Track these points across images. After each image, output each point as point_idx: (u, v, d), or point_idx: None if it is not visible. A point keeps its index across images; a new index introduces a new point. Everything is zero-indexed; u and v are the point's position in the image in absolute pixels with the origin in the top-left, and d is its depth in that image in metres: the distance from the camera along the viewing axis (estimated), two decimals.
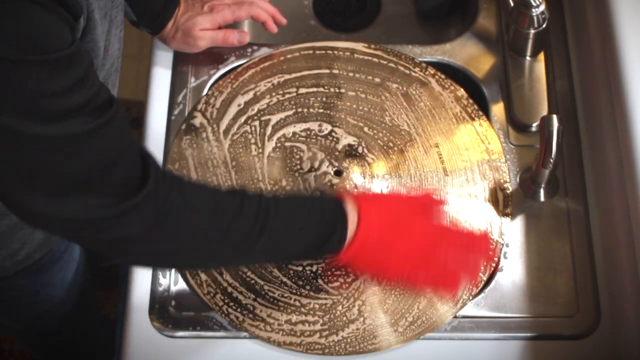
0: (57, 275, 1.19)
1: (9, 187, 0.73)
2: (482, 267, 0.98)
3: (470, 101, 1.11)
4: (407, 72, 1.13)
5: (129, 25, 1.08)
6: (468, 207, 1.04)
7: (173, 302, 1.00)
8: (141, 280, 1.01)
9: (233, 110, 1.11)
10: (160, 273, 1.01)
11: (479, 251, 0.95)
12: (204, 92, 1.13)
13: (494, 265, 1.00)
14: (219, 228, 0.81)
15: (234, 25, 1.14)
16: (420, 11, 1.36)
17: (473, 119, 1.10)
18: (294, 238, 0.86)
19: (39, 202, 0.73)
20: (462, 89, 1.12)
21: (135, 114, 1.88)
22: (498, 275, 1.01)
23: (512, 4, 1.10)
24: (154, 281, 1.01)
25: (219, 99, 1.12)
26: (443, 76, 1.13)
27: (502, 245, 1.02)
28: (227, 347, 0.98)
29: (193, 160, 1.07)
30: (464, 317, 0.98)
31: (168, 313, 0.99)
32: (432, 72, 1.13)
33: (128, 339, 0.98)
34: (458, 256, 0.91)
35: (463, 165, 1.06)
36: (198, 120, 1.10)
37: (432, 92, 1.11)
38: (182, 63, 1.15)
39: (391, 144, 1.08)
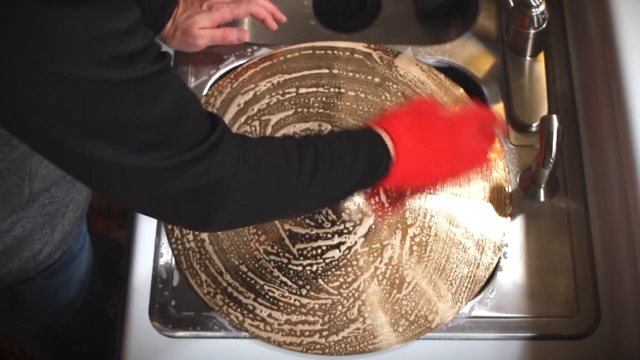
0: (75, 274, 1.19)
1: (89, 143, 0.70)
2: (495, 131, 1.03)
3: (471, 101, 1.11)
4: (407, 72, 1.13)
5: None
6: (468, 207, 1.04)
7: (173, 302, 1.00)
8: (141, 280, 1.01)
9: (233, 110, 1.11)
10: (160, 273, 1.01)
11: (488, 121, 1.01)
12: (204, 92, 1.13)
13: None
14: (292, 172, 0.83)
15: (234, 23, 1.14)
16: (420, 11, 1.36)
17: None
18: (348, 175, 0.88)
19: (126, 156, 0.71)
20: (462, 89, 1.12)
21: None
22: (498, 275, 1.01)
23: (512, 4, 1.10)
24: (154, 281, 1.01)
25: (218, 99, 1.12)
26: (443, 76, 1.13)
27: (502, 251, 1.02)
28: (227, 347, 0.98)
29: None
30: (463, 317, 0.98)
31: (168, 313, 0.99)
32: (432, 72, 1.13)
33: (128, 339, 0.98)
34: (476, 133, 0.97)
35: None
36: None
37: (432, 92, 1.11)
38: (182, 63, 1.15)
39: None
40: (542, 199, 1.05)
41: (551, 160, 0.97)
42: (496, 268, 1.01)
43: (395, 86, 1.12)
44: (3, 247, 0.97)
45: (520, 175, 1.07)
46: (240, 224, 0.91)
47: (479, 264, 1.00)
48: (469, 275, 1.00)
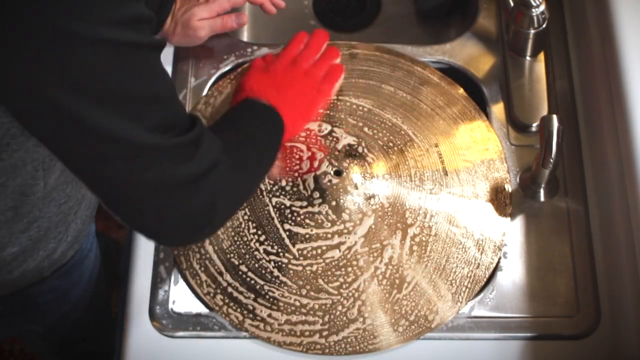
0: (85, 274, 1.19)
1: (105, 114, 0.70)
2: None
3: (471, 101, 1.11)
4: (407, 72, 1.13)
5: None
6: (468, 207, 1.04)
7: (173, 302, 1.00)
8: (141, 280, 1.01)
9: None
10: (160, 273, 1.01)
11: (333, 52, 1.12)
12: (204, 92, 1.13)
13: None
14: (256, 151, 0.93)
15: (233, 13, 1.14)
16: (420, 11, 1.36)
17: (473, 119, 1.10)
18: (270, 146, 0.99)
19: (141, 133, 0.72)
20: (462, 89, 1.12)
21: None
22: (498, 275, 1.01)
23: (512, 4, 1.10)
24: (154, 281, 1.01)
25: (218, 99, 1.12)
26: (443, 76, 1.13)
27: (501, 251, 1.02)
28: (227, 347, 0.98)
29: None
30: (463, 317, 0.98)
31: (168, 313, 0.99)
32: (431, 71, 1.13)
33: (128, 339, 0.98)
34: (309, 53, 1.10)
35: (463, 165, 1.06)
36: None
37: (431, 92, 1.11)
38: (182, 63, 1.15)
39: (391, 144, 1.08)
40: (542, 199, 1.05)
41: (551, 160, 0.97)
42: (496, 268, 1.01)
43: (395, 86, 1.12)
44: (19, 247, 0.97)
45: (520, 175, 1.07)
46: (227, 217, 0.92)
47: (479, 264, 1.00)
48: (469, 275, 1.00)
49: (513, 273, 1.01)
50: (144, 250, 1.02)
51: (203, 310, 0.99)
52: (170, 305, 0.99)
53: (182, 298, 1.00)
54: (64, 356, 1.52)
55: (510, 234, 1.03)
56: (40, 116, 0.71)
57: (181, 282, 1.01)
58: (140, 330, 0.98)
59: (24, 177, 0.87)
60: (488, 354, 0.97)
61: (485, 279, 1.00)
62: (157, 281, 1.01)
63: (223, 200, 0.83)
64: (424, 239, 1.02)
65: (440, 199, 1.04)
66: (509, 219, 1.03)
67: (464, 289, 0.99)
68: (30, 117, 0.72)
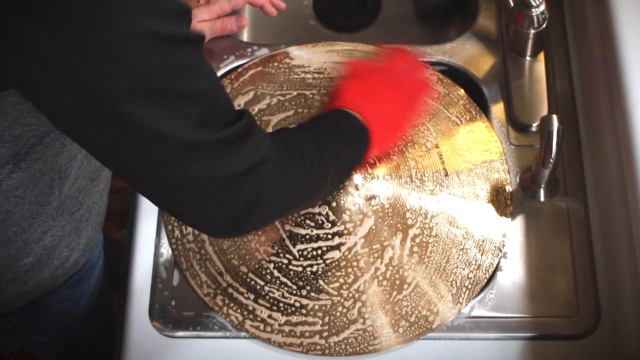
0: (94, 282, 1.19)
1: (146, 109, 0.68)
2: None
3: (471, 101, 1.11)
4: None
5: None
6: (468, 207, 1.04)
7: (173, 302, 1.00)
8: (141, 280, 1.01)
9: None
10: (160, 273, 1.01)
11: (407, 56, 1.04)
12: None
13: None
14: (311, 162, 0.85)
15: (233, 14, 1.14)
16: (420, 11, 1.36)
17: (473, 120, 1.10)
18: (345, 156, 0.91)
19: (183, 129, 0.71)
20: (462, 89, 1.12)
21: None
22: (498, 275, 1.01)
23: (512, 4, 1.10)
24: (154, 281, 1.01)
25: None
26: (443, 76, 1.13)
27: (502, 252, 1.02)
28: (227, 347, 0.98)
29: None
30: (463, 317, 0.98)
31: (168, 313, 0.99)
32: (432, 72, 1.13)
33: (128, 339, 0.98)
34: (406, 68, 1.02)
35: (463, 166, 1.06)
36: None
37: (432, 93, 1.11)
38: None
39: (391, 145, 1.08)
40: (542, 199, 1.05)
41: (551, 160, 0.97)
42: (496, 268, 1.01)
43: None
44: (34, 257, 0.97)
45: (520, 175, 1.07)
46: (271, 217, 0.89)
47: (479, 264, 1.00)
48: (469, 276, 1.00)
49: (513, 273, 1.01)
50: (144, 250, 1.02)
51: (203, 310, 0.99)
52: (170, 305, 0.99)
53: (182, 298, 1.00)
54: (62, 351, 1.52)
55: (511, 234, 1.03)
56: (82, 112, 0.69)
57: (181, 282, 1.01)
58: (140, 330, 0.98)
59: (41, 187, 0.87)
60: (488, 354, 0.97)
61: (485, 280, 1.00)
62: (157, 281, 1.01)
63: (268, 197, 0.80)
64: (424, 239, 1.02)
65: (441, 200, 1.04)
66: (509, 219, 1.03)
67: (464, 290, 0.99)
68: (71, 115, 0.70)
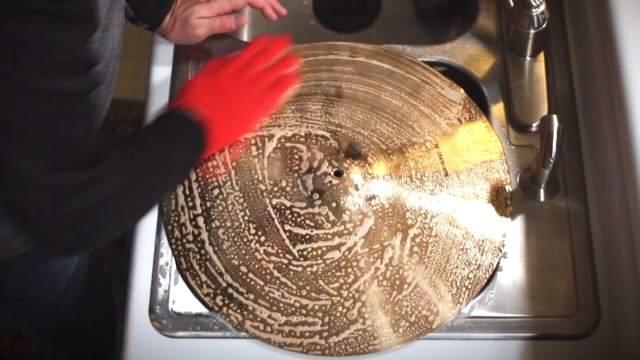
0: (57, 266, 1.19)
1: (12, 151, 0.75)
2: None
3: (471, 101, 1.11)
4: (407, 72, 1.13)
5: (128, 25, 1.08)
6: (468, 207, 1.04)
7: (173, 302, 1.00)
8: (141, 280, 1.01)
9: None
10: (160, 273, 1.01)
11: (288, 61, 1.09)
12: None
13: None
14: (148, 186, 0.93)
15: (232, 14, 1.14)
16: (420, 11, 1.36)
17: (473, 120, 1.10)
18: (172, 161, 0.97)
19: (44, 172, 0.77)
20: (462, 90, 1.12)
21: (135, 115, 1.88)
22: (498, 275, 1.01)
23: (512, 4, 1.10)
24: (154, 281, 1.01)
25: None
26: (443, 76, 1.13)
27: (502, 252, 1.02)
28: (227, 347, 0.98)
29: None
30: (463, 317, 0.98)
31: (168, 313, 0.99)
32: (432, 72, 1.13)
33: (128, 339, 0.98)
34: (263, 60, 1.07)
35: (463, 166, 1.06)
36: None
37: (432, 93, 1.11)
38: (182, 63, 1.15)
39: (391, 145, 1.08)
40: (542, 199, 1.05)
41: (551, 160, 0.97)
42: (496, 268, 1.01)
43: (395, 86, 1.12)
44: None
45: (520, 175, 1.07)
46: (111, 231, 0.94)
47: (479, 264, 1.00)
48: (469, 276, 1.00)
49: (513, 273, 1.01)
50: (144, 250, 1.02)
51: (203, 310, 0.99)
52: (170, 305, 0.99)
53: (182, 298, 1.00)
54: (63, 353, 1.52)
55: (511, 234, 1.03)
56: None
57: (181, 282, 1.01)
58: (140, 330, 0.98)
59: None
60: (488, 354, 0.97)
61: (485, 280, 1.00)
62: (157, 281, 1.01)
63: (107, 225, 0.87)
64: (424, 239, 1.02)
65: (441, 200, 1.04)
66: (509, 219, 1.03)
67: (464, 290, 0.99)
68: None
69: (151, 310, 0.99)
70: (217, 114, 1.00)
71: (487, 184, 1.05)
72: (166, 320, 0.98)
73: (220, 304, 0.99)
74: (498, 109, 1.12)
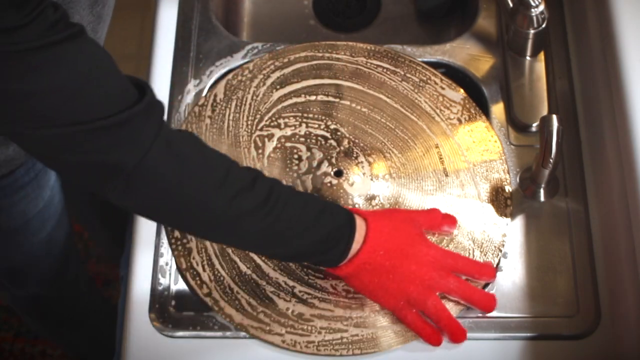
0: (17, 206, 1.17)
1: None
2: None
3: (470, 101, 1.11)
4: (407, 72, 1.13)
5: (128, 25, 1.08)
6: (468, 207, 1.04)
7: (173, 302, 1.00)
8: (141, 280, 1.01)
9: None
10: (160, 273, 1.01)
11: (481, 302, 0.96)
12: (203, 93, 1.13)
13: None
14: (224, 190, 0.81)
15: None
16: (420, 11, 1.36)
17: (473, 120, 1.10)
18: (296, 234, 0.86)
19: (23, 128, 0.73)
20: (462, 90, 1.12)
21: None
22: (498, 275, 1.01)
23: (511, 4, 1.10)
24: (154, 281, 1.01)
25: (211, 99, 1.12)
26: (443, 76, 1.13)
27: (502, 252, 1.02)
28: (227, 347, 0.98)
29: None
30: (464, 317, 0.98)
31: (168, 313, 0.99)
32: (432, 72, 1.13)
33: (128, 339, 0.98)
34: (458, 298, 0.95)
35: (463, 166, 1.06)
36: (199, 120, 1.10)
37: (432, 93, 1.11)
38: (182, 63, 1.15)
39: (391, 145, 1.08)
40: (542, 199, 1.05)
41: (551, 160, 0.97)
42: (496, 268, 1.01)
43: (395, 86, 1.12)
44: None
45: (520, 175, 1.07)
46: (143, 212, 0.87)
47: None
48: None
49: (513, 273, 1.01)
50: (144, 250, 1.02)
51: (203, 310, 0.99)
52: (170, 305, 0.99)
53: (182, 298, 1.00)
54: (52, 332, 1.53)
55: (510, 234, 1.03)
56: None
57: (181, 282, 1.01)
58: (140, 330, 0.98)
59: None
60: (488, 354, 0.97)
61: (483, 283, 1.00)
62: (157, 281, 1.01)
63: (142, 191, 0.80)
64: None
65: (441, 200, 1.04)
66: (509, 219, 1.03)
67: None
68: None
69: (151, 310, 0.99)
70: (378, 254, 0.90)
71: (487, 184, 1.05)
72: (166, 320, 0.98)
73: (221, 303, 0.99)
74: (498, 109, 1.12)
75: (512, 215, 1.04)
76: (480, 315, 0.98)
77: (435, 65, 1.15)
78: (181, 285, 1.01)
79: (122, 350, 0.98)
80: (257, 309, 0.98)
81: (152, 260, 1.02)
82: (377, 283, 0.92)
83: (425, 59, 1.15)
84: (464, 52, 1.16)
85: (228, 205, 0.82)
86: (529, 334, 0.98)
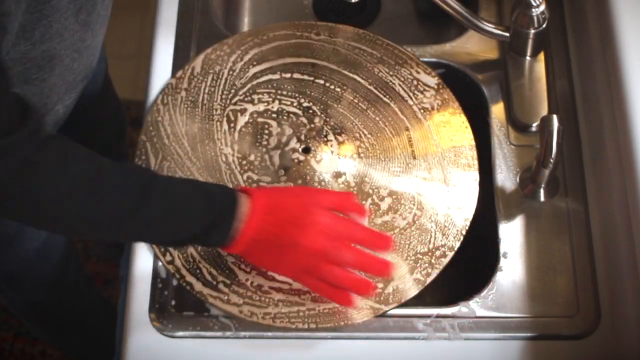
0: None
1: None
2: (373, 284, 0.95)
3: (445, 87, 1.11)
4: (384, 55, 1.13)
5: (128, 25, 1.08)
6: (434, 190, 1.04)
7: (173, 302, 1.00)
8: (141, 280, 1.01)
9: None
10: (160, 273, 1.01)
11: (375, 270, 0.94)
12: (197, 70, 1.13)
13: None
14: (92, 194, 0.83)
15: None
16: (420, 11, 1.36)
17: (446, 105, 1.10)
18: (174, 222, 0.88)
19: None
20: (437, 76, 1.12)
21: (135, 114, 1.88)
22: (498, 275, 1.01)
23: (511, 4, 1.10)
24: (154, 281, 1.01)
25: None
26: (419, 61, 1.13)
27: (464, 235, 1.02)
28: (227, 347, 0.98)
29: (165, 131, 1.08)
30: (463, 317, 0.98)
31: (168, 313, 0.99)
32: (408, 55, 1.13)
33: (128, 339, 0.98)
34: (352, 268, 0.93)
35: (432, 150, 1.07)
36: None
37: (406, 76, 1.12)
38: (182, 63, 1.15)
39: (362, 126, 1.08)
40: (542, 199, 1.05)
41: (551, 160, 0.97)
42: (496, 268, 1.01)
43: (370, 69, 1.12)
44: None
45: (520, 175, 1.07)
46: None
47: (439, 246, 1.00)
48: (428, 258, 0.99)
49: (513, 273, 1.01)
50: (144, 250, 1.02)
51: (203, 310, 0.99)
52: (170, 305, 0.99)
53: (182, 298, 1.00)
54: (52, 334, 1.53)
55: (510, 234, 1.03)
56: None
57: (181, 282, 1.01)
58: (140, 330, 0.98)
59: None
60: (488, 354, 0.97)
61: (444, 263, 1.00)
62: (157, 281, 1.01)
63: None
64: (388, 219, 1.02)
65: (407, 182, 1.04)
66: (474, 205, 1.03)
67: (422, 270, 0.99)
68: None
69: (151, 310, 0.99)
70: (268, 227, 0.89)
71: (455, 169, 1.06)
72: (166, 320, 0.98)
73: (182, 271, 0.99)
74: (498, 109, 1.12)
75: (512, 215, 1.04)
76: (480, 315, 0.98)
77: (435, 65, 1.15)
78: (181, 285, 1.01)
79: (122, 350, 0.98)
80: (217, 278, 0.98)
81: (152, 260, 1.02)
82: (272, 257, 0.92)
83: (425, 59, 1.15)
84: (464, 52, 1.16)
85: (96, 207, 0.84)
86: (529, 334, 0.98)
